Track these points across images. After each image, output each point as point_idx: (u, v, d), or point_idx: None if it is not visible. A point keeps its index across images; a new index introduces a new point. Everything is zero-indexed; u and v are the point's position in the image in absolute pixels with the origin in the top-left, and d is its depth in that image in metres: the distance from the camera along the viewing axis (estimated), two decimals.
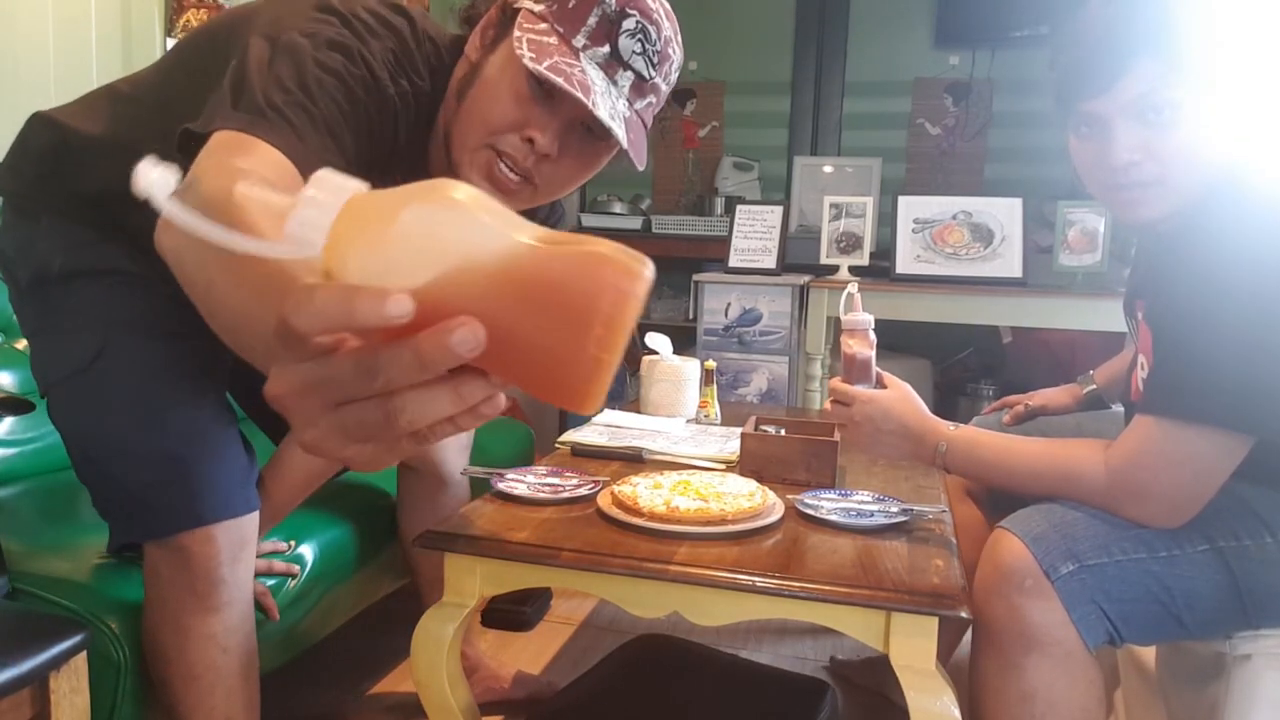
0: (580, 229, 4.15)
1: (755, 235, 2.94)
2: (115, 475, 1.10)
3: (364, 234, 0.38)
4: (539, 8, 0.92)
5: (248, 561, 1.13)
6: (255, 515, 1.14)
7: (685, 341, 2.77)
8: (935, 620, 1.03)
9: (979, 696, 1.10)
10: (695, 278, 2.97)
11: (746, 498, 1.25)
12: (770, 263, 2.89)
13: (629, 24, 0.92)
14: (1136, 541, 1.05)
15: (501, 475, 1.37)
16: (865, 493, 1.33)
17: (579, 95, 0.88)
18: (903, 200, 2.82)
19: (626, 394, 3.71)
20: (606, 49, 0.92)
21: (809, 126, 4.17)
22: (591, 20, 0.92)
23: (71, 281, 1.08)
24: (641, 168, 0.98)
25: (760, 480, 1.36)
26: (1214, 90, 1.03)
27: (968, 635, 1.15)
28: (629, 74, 0.95)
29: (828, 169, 4.01)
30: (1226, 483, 1.04)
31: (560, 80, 0.88)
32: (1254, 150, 1.07)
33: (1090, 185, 1.16)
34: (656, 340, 1.93)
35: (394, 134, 0.96)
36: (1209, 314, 0.99)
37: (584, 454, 1.57)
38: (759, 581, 1.06)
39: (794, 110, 4.19)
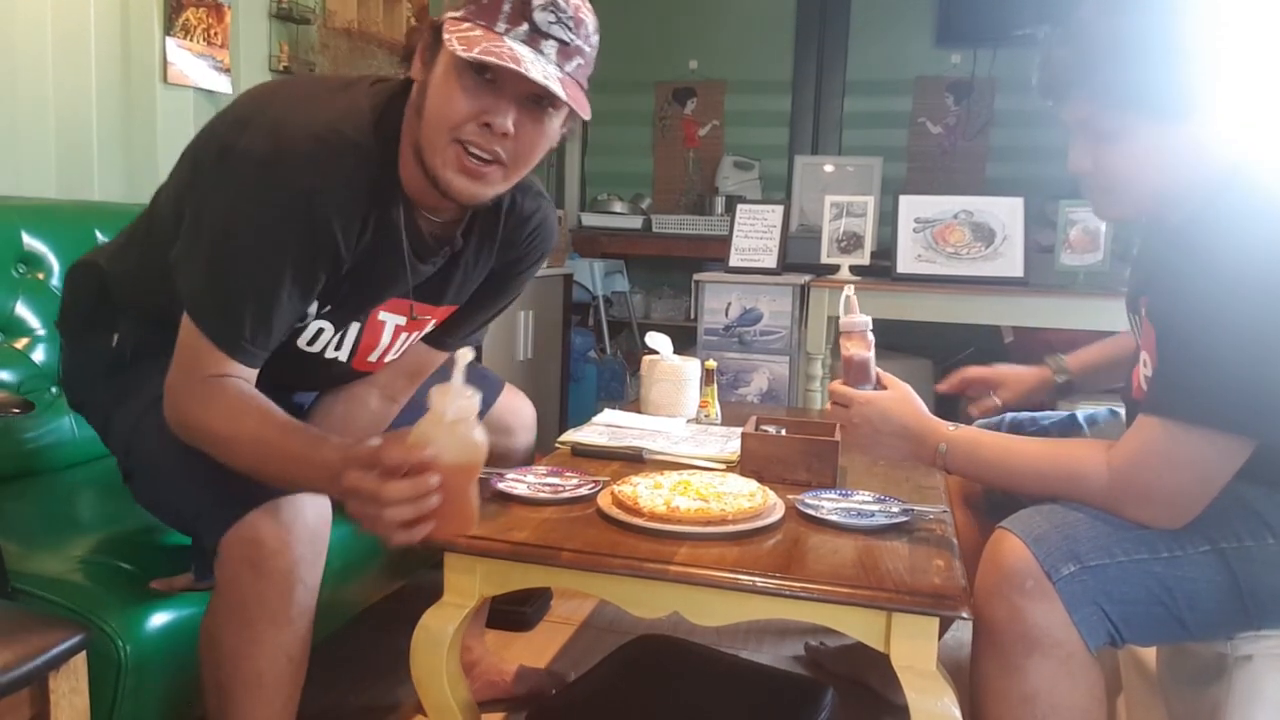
0: (581, 229, 4.16)
1: (756, 235, 2.94)
2: (191, 476, 1.13)
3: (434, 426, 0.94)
4: (459, 13, 1.03)
5: (317, 566, 1.13)
6: (325, 512, 1.13)
7: (686, 341, 2.76)
8: (936, 621, 1.03)
9: (980, 698, 1.10)
10: (696, 277, 2.96)
11: (747, 498, 1.25)
12: (771, 262, 2.88)
13: (538, 0, 1.02)
14: (1138, 542, 1.05)
15: (501, 475, 1.37)
16: (866, 493, 1.33)
17: (511, 66, 0.98)
18: (904, 199, 2.81)
19: (627, 394, 3.71)
20: (525, 26, 1.02)
21: (810, 125, 4.17)
22: (506, 6, 1.02)
23: (118, 370, 1.26)
24: (588, 116, 1.08)
25: (761, 480, 1.35)
26: (1161, 113, 1.06)
27: (967, 635, 1.15)
28: (552, 42, 1.04)
29: (828, 168, 4.00)
30: (1228, 483, 1.03)
31: (492, 59, 0.98)
32: (1265, 149, 1.07)
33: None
34: (657, 340, 1.93)
35: (364, 215, 1.12)
36: (1215, 314, 0.99)
37: (584, 454, 1.57)
38: (759, 581, 1.06)
39: (795, 109, 4.19)
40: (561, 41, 1.04)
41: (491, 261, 1.31)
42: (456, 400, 0.94)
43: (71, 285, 1.34)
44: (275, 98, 1.13)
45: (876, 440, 1.24)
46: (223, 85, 2.23)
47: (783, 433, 1.50)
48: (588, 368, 3.64)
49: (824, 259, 2.82)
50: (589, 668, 1.51)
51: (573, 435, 1.66)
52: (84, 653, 1.02)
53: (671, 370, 1.87)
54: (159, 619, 1.18)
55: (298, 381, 1.34)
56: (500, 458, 1.55)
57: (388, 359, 1.31)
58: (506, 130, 1.04)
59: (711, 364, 1.88)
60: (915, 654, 1.04)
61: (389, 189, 1.12)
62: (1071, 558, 1.04)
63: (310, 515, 1.11)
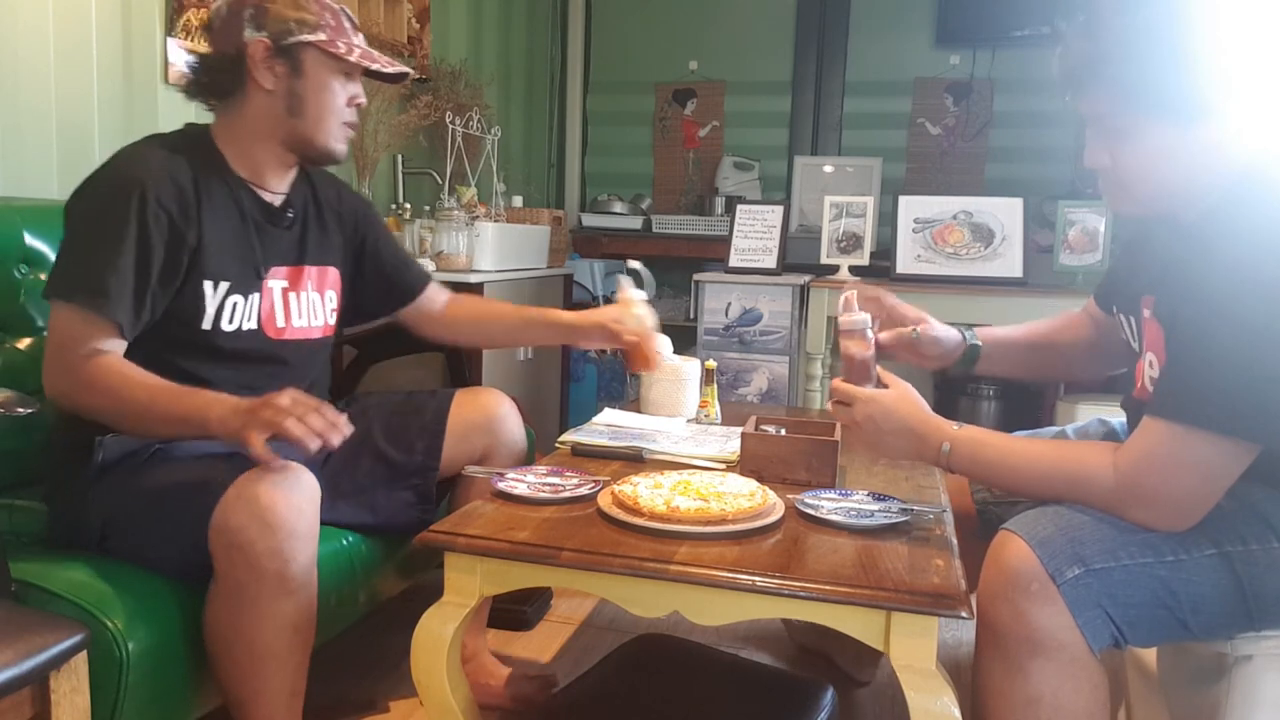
0: (581, 229, 4.16)
1: (755, 235, 2.94)
2: (161, 497, 1.26)
3: None
4: (321, 36, 1.35)
5: (309, 538, 1.21)
6: (312, 488, 1.23)
7: (686, 341, 2.77)
8: (935, 620, 1.03)
9: (983, 700, 1.10)
10: (695, 277, 2.97)
11: (747, 497, 1.25)
12: (770, 262, 2.89)
13: (347, 10, 1.41)
14: (1143, 545, 1.05)
15: (502, 475, 1.37)
16: (865, 493, 1.33)
17: (390, 70, 1.44)
18: (903, 200, 2.82)
19: (627, 394, 3.71)
20: (355, 30, 1.42)
21: (809, 126, 4.17)
22: (346, 24, 1.41)
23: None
24: (414, 74, 1.54)
25: (761, 480, 1.36)
26: (1174, 113, 1.05)
27: (966, 634, 1.15)
28: (360, 35, 1.44)
29: (828, 169, 4.01)
30: (1235, 486, 1.03)
31: (378, 66, 1.42)
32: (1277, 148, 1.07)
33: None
34: (657, 340, 1.93)
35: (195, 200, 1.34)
36: (1223, 315, 0.98)
37: (584, 454, 1.57)
38: (759, 581, 1.06)
39: (794, 110, 4.19)
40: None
41: (324, 216, 1.54)
42: (631, 291, 1.64)
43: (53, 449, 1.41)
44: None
45: (879, 438, 1.24)
46: None
47: (782, 433, 1.50)
48: (588, 367, 3.64)
49: (823, 259, 2.83)
50: (589, 667, 1.52)
51: (573, 435, 1.66)
52: (85, 652, 1.02)
53: (671, 370, 1.87)
54: (162, 618, 1.19)
55: (249, 378, 1.40)
56: (490, 452, 1.60)
57: (294, 324, 1.47)
58: (364, 103, 1.45)
59: (711, 364, 1.88)
60: (915, 653, 1.04)
61: (212, 170, 1.36)
62: (1076, 561, 1.03)
63: (294, 491, 1.19)
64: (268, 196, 1.44)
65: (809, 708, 1.38)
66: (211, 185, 1.35)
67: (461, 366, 2.25)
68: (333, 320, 1.56)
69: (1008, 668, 1.05)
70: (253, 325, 1.41)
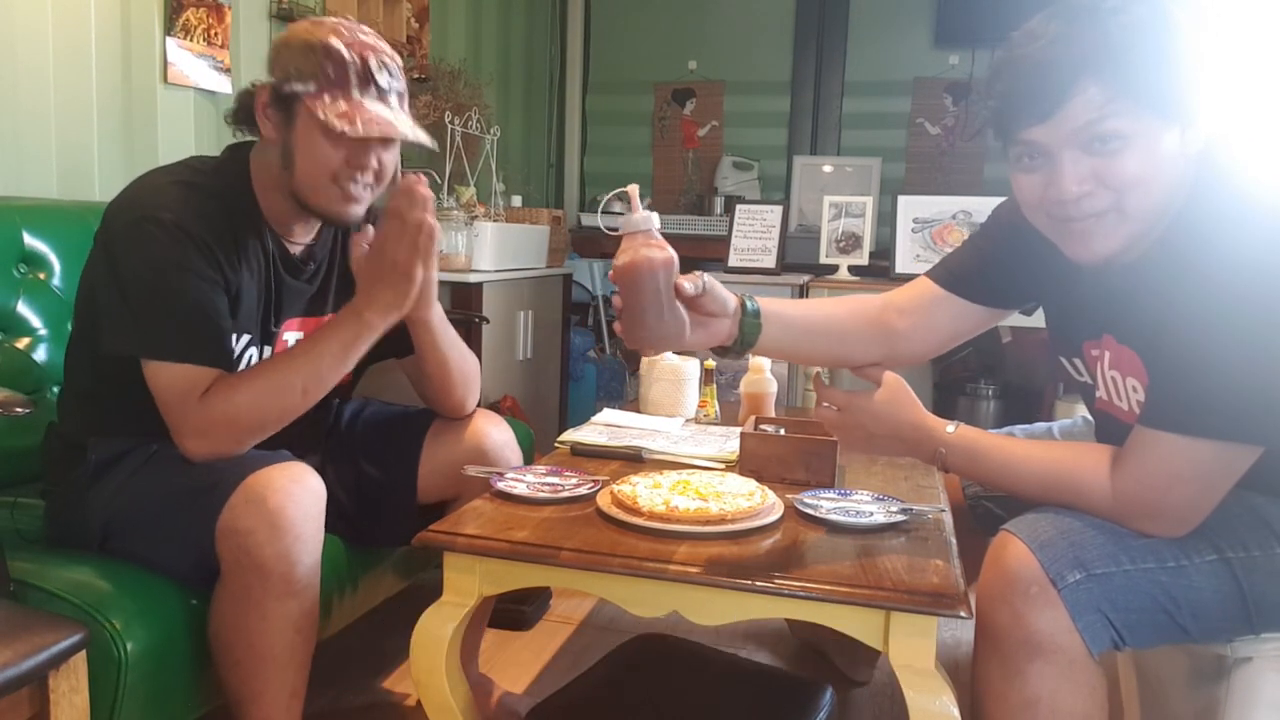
0: (580, 229, 4.16)
1: (755, 235, 2.94)
2: (164, 502, 1.25)
3: None
4: (310, 86, 1.23)
5: (315, 540, 1.22)
6: (317, 488, 1.23)
7: None
8: (934, 620, 1.03)
9: (981, 701, 1.09)
10: None
11: (746, 497, 1.25)
12: (770, 262, 2.89)
13: (373, 65, 1.26)
14: (1145, 550, 1.04)
15: (501, 475, 1.37)
16: (865, 492, 1.33)
17: (391, 136, 1.27)
18: (902, 200, 2.82)
19: (626, 394, 3.71)
20: (373, 89, 1.26)
21: (808, 126, 4.17)
22: (352, 75, 1.24)
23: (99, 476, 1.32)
24: (435, 147, 1.38)
25: (760, 480, 1.36)
26: (1168, 116, 0.98)
27: (965, 634, 1.14)
28: (393, 95, 1.30)
29: (827, 169, 4.01)
30: (1238, 491, 1.03)
31: (376, 132, 1.24)
32: (1223, 154, 1.05)
33: (1037, 219, 1.09)
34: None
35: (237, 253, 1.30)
36: (1206, 322, 0.97)
37: (584, 453, 1.57)
38: (758, 581, 1.06)
39: (793, 110, 4.19)
40: (399, 93, 1.31)
41: (348, 266, 1.42)
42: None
43: (47, 449, 1.41)
44: (141, 182, 1.31)
45: (870, 443, 1.23)
46: (223, 85, 2.23)
47: (781, 432, 1.50)
48: (587, 367, 3.64)
49: (823, 259, 2.83)
50: (588, 667, 1.51)
51: (572, 435, 1.66)
52: (84, 652, 1.02)
53: (671, 370, 1.87)
54: (161, 618, 1.19)
55: None
56: (489, 453, 1.55)
57: None
58: (378, 170, 1.31)
59: (711, 364, 1.88)
60: (914, 653, 1.04)
61: (245, 217, 1.32)
62: (1077, 565, 1.03)
63: (302, 495, 1.20)
64: (293, 248, 1.40)
65: (808, 708, 1.38)
66: (246, 235, 1.32)
67: None
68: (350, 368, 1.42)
69: (1006, 670, 1.05)
70: None
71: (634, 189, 1.11)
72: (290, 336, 1.41)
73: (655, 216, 1.06)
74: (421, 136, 1.30)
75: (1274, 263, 0.96)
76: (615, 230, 1.07)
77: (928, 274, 1.34)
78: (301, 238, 1.40)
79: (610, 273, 1.07)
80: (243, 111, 1.34)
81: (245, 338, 1.33)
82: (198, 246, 1.23)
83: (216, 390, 1.22)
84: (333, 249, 1.47)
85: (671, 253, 1.04)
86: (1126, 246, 1.05)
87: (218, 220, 1.27)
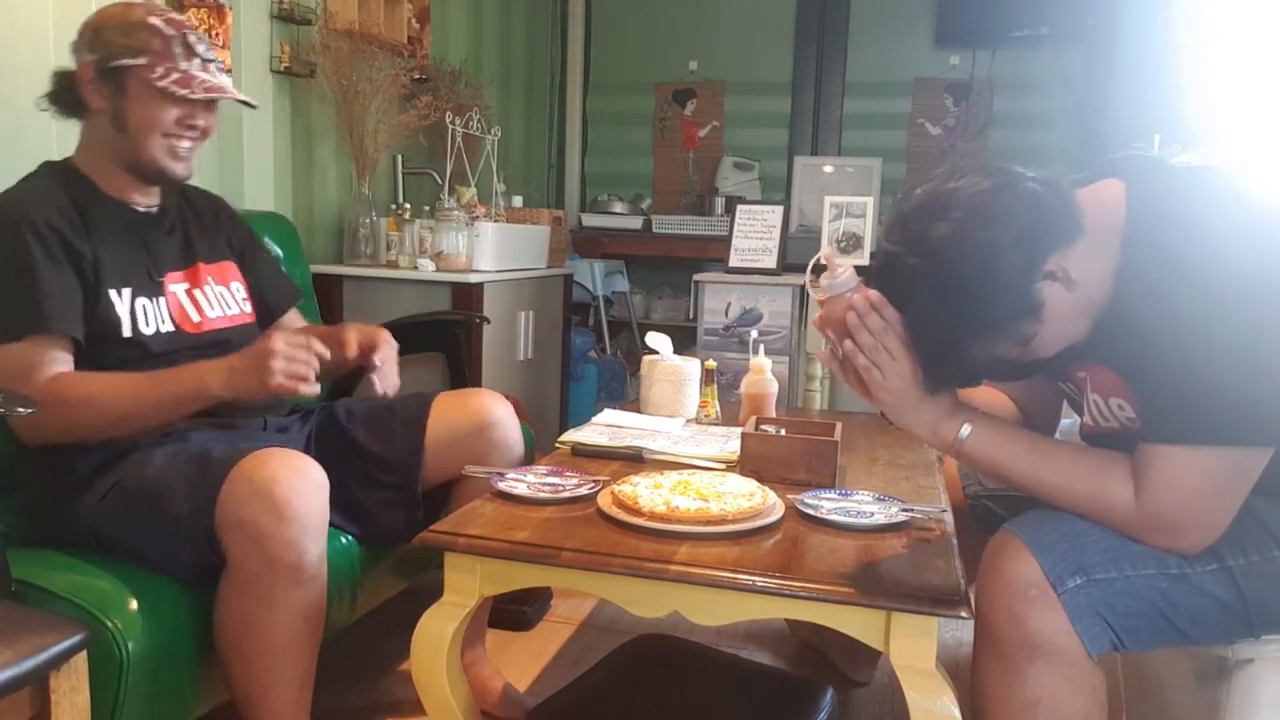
0: (581, 229, 4.16)
1: (755, 235, 2.94)
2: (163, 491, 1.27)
3: None
4: (141, 60, 1.36)
5: (321, 531, 1.25)
6: (320, 479, 1.26)
7: (686, 341, 2.76)
8: (935, 620, 1.03)
9: (981, 703, 1.09)
10: (695, 278, 2.97)
11: (746, 498, 1.25)
12: (770, 262, 2.89)
13: (192, 39, 1.41)
14: (1147, 557, 1.04)
15: (502, 475, 1.37)
16: (865, 493, 1.33)
17: (228, 98, 1.44)
18: None
19: (627, 394, 3.71)
20: (197, 59, 1.41)
21: (809, 126, 4.17)
22: (178, 49, 1.39)
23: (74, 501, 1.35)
24: (257, 105, 1.60)
25: (760, 480, 1.36)
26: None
27: (965, 634, 1.14)
28: (213, 64, 1.44)
29: (828, 169, 4.00)
30: None
31: (215, 95, 1.41)
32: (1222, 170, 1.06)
33: (1056, 346, 1.10)
34: (657, 340, 1.93)
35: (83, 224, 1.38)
36: (1198, 328, 0.96)
37: (584, 454, 1.57)
38: (759, 581, 1.06)
39: (794, 110, 4.20)
40: (218, 63, 1.46)
41: (203, 219, 1.58)
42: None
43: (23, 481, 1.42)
44: None
45: (903, 403, 1.12)
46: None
47: (782, 433, 1.50)
48: (588, 368, 3.64)
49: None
50: (589, 667, 1.51)
51: (573, 435, 1.66)
52: (84, 652, 1.02)
53: (671, 370, 1.87)
54: (162, 618, 1.19)
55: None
56: (483, 460, 1.55)
57: (210, 316, 1.50)
58: (200, 128, 1.45)
59: (711, 364, 1.88)
60: (914, 653, 1.04)
61: (84, 194, 1.42)
62: (1078, 570, 1.02)
63: (306, 485, 1.22)
64: (142, 209, 1.47)
65: (808, 708, 1.38)
66: (87, 206, 1.40)
67: (461, 366, 2.25)
68: (248, 308, 1.58)
69: (1006, 671, 1.05)
70: (169, 327, 1.43)
71: (829, 251, 1.20)
72: (177, 289, 1.48)
73: (853, 274, 1.17)
74: (246, 96, 1.50)
75: (1253, 268, 0.96)
76: (823, 298, 1.17)
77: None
78: (146, 201, 1.48)
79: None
80: (63, 91, 1.43)
81: (127, 290, 1.39)
82: (32, 226, 1.31)
83: (70, 380, 1.28)
84: (180, 208, 1.56)
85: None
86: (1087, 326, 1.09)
87: (55, 197, 1.37)
